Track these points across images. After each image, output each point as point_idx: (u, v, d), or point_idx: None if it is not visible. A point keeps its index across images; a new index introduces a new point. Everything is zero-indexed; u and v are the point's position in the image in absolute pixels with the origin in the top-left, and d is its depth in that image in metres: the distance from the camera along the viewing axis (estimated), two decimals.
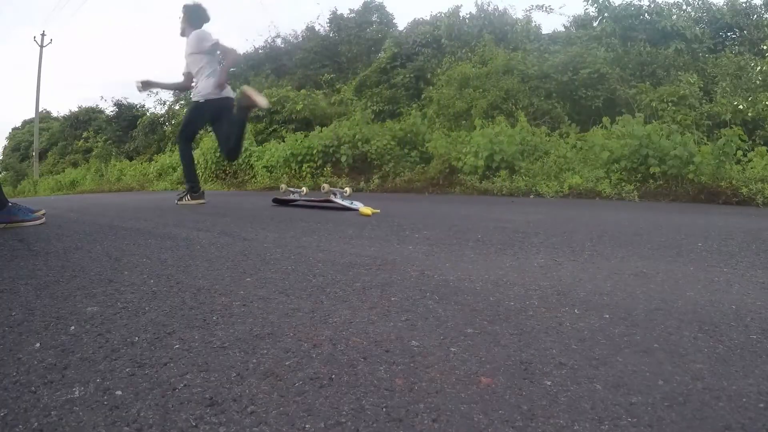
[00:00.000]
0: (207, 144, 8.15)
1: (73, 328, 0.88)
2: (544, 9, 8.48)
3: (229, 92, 3.57)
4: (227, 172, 7.59)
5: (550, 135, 5.24)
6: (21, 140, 20.95)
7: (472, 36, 8.78)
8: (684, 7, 7.86)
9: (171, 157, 10.04)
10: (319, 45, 12.91)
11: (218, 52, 3.55)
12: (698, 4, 7.94)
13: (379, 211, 2.82)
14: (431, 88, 7.67)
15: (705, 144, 4.09)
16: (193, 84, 3.64)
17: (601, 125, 4.79)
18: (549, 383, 0.65)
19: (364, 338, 0.81)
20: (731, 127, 4.12)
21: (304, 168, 6.24)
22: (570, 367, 0.70)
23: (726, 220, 2.45)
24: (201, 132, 4.08)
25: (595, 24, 7.97)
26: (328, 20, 13.82)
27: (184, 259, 1.47)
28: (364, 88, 9.51)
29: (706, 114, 5.26)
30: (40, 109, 18.00)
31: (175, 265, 1.38)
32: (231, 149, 3.66)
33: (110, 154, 13.58)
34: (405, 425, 0.55)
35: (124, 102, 15.51)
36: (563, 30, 9.24)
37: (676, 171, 3.77)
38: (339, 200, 3.04)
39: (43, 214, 2.46)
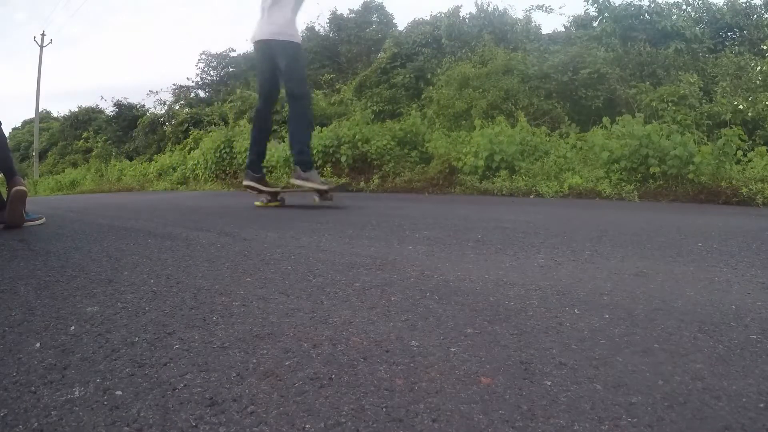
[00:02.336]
0: (207, 144, 8.15)
1: (73, 328, 0.88)
2: (544, 9, 8.47)
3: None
4: (227, 172, 7.59)
5: (550, 135, 5.24)
6: (21, 140, 20.98)
7: (472, 36, 8.78)
8: (684, 7, 7.86)
9: (171, 157, 10.05)
10: (319, 45, 12.93)
11: None
12: (698, 4, 7.94)
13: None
14: (431, 88, 7.67)
15: (705, 144, 4.09)
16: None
17: (601, 125, 4.79)
18: (549, 383, 0.65)
19: (364, 338, 0.81)
20: (731, 127, 4.11)
21: None
22: (570, 367, 0.70)
23: (726, 220, 2.45)
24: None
25: (595, 24, 7.97)
26: (328, 20, 13.84)
27: (184, 259, 1.47)
28: (364, 88, 9.51)
29: (706, 114, 5.25)
30: (40, 109, 18.01)
31: (175, 265, 1.38)
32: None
33: (110, 154, 13.60)
34: (405, 425, 0.55)
35: (124, 102, 15.54)
36: (563, 30, 9.25)
37: (676, 171, 3.77)
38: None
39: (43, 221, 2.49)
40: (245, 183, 3.26)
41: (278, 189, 3.39)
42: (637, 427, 0.55)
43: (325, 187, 3.08)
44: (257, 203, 3.38)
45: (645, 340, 0.80)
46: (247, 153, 3.30)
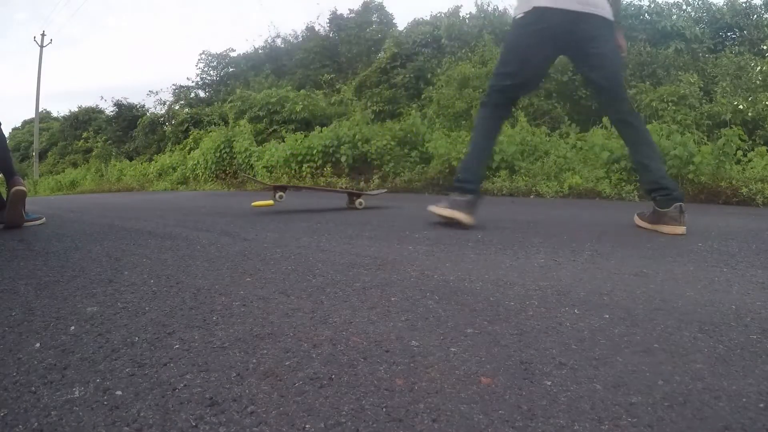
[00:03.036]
0: (207, 144, 8.15)
1: (73, 328, 0.88)
2: None
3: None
4: (227, 172, 7.60)
5: (550, 135, 5.24)
6: (21, 140, 20.96)
7: (472, 36, 8.77)
8: (684, 7, 7.87)
9: (171, 157, 10.04)
10: (319, 45, 12.92)
11: None
12: (698, 4, 7.95)
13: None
14: (431, 88, 7.67)
15: (705, 144, 4.09)
16: None
17: (601, 125, 4.79)
18: (549, 383, 0.65)
19: (364, 338, 0.81)
20: (731, 127, 4.12)
21: (304, 168, 6.24)
22: (570, 367, 0.70)
23: (726, 220, 2.45)
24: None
25: None
26: (328, 20, 13.83)
27: (184, 259, 1.47)
28: (364, 88, 9.51)
29: (706, 114, 5.26)
30: (40, 109, 18.01)
31: (175, 265, 1.38)
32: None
33: (110, 154, 13.60)
34: (405, 425, 0.55)
35: (124, 102, 15.53)
36: None
37: (676, 171, 3.77)
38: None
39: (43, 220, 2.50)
40: (443, 210, 2.09)
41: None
42: (637, 427, 0.55)
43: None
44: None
45: (645, 340, 0.80)
46: (460, 163, 2.19)
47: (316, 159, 6.18)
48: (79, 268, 1.36)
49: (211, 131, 8.76)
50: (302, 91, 8.92)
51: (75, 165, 14.76)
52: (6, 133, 2.38)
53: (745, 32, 7.51)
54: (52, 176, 14.33)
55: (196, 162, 8.27)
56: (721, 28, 7.74)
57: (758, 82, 5.64)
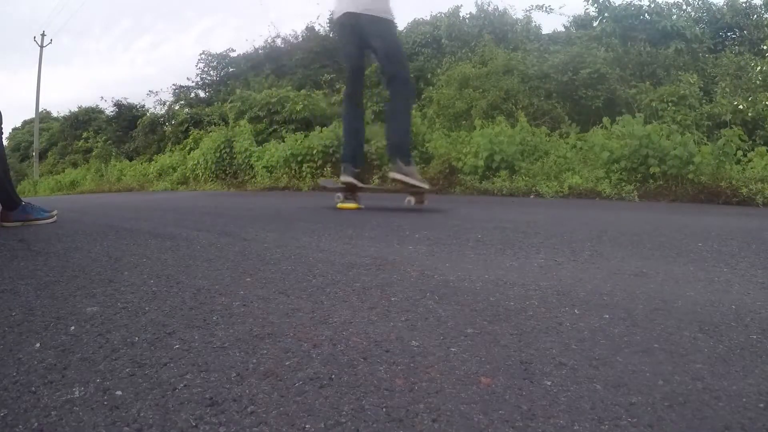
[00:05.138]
0: (207, 144, 8.15)
1: (73, 328, 0.88)
2: (544, 9, 8.49)
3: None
4: (227, 172, 7.60)
5: (550, 135, 5.24)
6: (21, 140, 20.96)
7: (472, 36, 8.78)
8: (684, 7, 7.88)
9: (171, 157, 10.04)
10: (319, 45, 12.91)
11: None
12: (698, 4, 7.96)
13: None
14: (431, 88, 7.68)
15: (705, 144, 4.09)
16: None
17: (601, 125, 4.79)
18: (549, 383, 0.65)
19: (364, 338, 0.81)
20: (731, 127, 4.12)
21: (304, 168, 6.24)
22: (570, 367, 0.70)
23: (726, 220, 2.45)
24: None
25: (595, 24, 7.98)
26: (328, 20, 13.81)
27: (184, 259, 1.47)
28: (364, 88, 9.50)
29: (706, 114, 5.26)
30: (40, 109, 18.02)
31: (175, 265, 1.38)
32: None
33: (110, 154, 13.59)
34: (405, 425, 0.55)
35: (124, 102, 15.52)
36: (563, 30, 9.26)
37: (676, 171, 3.77)
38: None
39: (55, 214, 2.51)
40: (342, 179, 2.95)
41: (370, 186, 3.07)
42: (637, 427, 0.55)
43: (426, 186, 2.79)
44: (339, 205, 3.05)
45: (645, 340, 0.80)
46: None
47: (316, 159, 6.17)
48: (79, 268, 1.36)
49: (211, 131, 8.75)
50: (302, 91, 8.91)
51: (75, 165, 14.75)
52: (6, 133, 2.39)
53: (745, 32, 7.51)
54: (52, 176, 14.33)
55: (196, 162, 8.26)
56: (721, 28, 7.75)
57: (758, 82, 5.65)
